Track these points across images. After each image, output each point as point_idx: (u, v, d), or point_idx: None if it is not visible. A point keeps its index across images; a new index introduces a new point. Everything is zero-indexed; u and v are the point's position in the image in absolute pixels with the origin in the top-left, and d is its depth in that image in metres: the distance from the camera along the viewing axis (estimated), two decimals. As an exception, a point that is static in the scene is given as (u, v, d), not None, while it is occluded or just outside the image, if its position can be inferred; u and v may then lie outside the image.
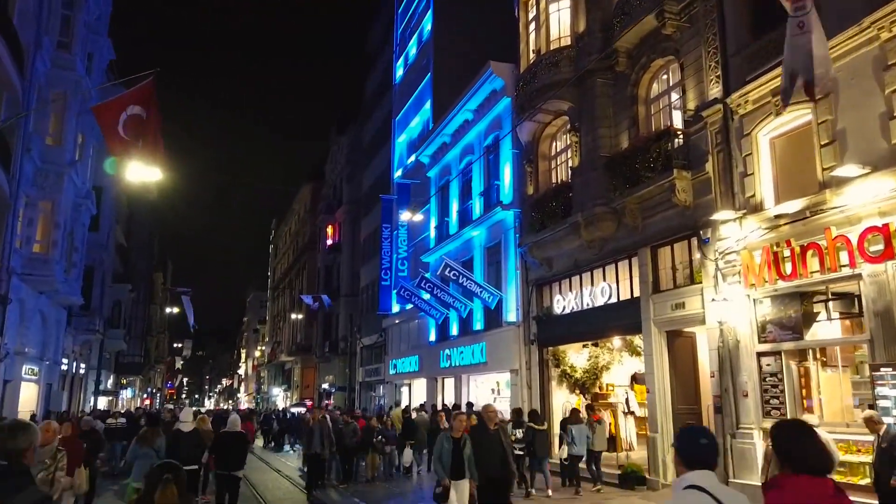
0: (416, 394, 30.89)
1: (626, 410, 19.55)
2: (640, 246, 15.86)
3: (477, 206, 24.59)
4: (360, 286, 43.16)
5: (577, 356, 19.74)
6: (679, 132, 14.46)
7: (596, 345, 18.97)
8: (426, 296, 24.87)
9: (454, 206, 26.91)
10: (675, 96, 15.76)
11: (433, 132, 28.40)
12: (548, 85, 18.42)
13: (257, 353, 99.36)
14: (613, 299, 17.04)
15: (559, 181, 19.48)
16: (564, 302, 19.21)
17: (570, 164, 19.34)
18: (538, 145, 20.38)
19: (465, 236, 24.91)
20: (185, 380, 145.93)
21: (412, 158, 33.46)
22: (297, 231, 69.32)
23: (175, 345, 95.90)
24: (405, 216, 21.70)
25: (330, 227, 53.05)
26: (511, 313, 21.44)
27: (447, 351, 25.93)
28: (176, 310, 66.31)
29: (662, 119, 16.05)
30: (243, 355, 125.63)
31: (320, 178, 61.18)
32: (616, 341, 18.74)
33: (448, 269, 21.83)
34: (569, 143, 19.12)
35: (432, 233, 29.14)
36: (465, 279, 21.83)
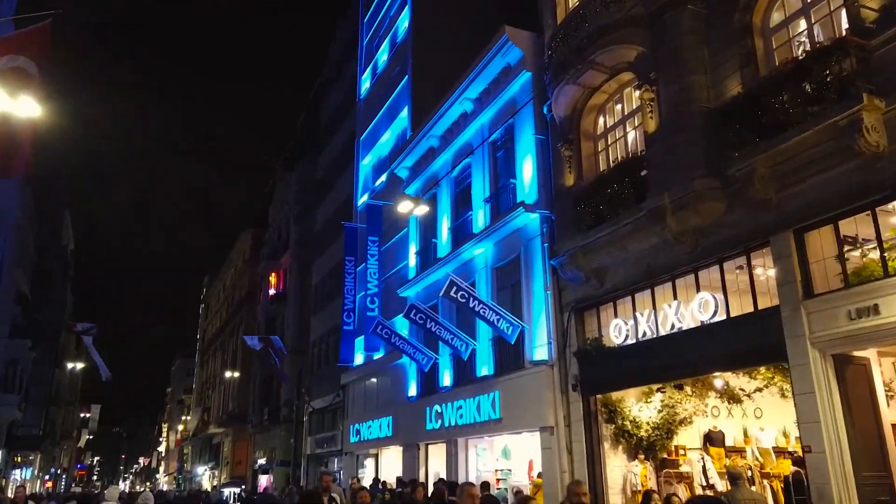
0: (386, 467, 24.39)
1: (705, 484, 14.00)
2: (773, 231, 10.67)
3: (480, 217, 19.15)
4: (309, 340, 36.62)
5: (641, 406, 14.15)
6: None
7: (680, 387, 13.43)
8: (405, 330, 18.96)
9: (444, 224, 21.40)
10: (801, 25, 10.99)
11: (414, 138, 23.13)
12: (605, 27, 13.47)
13: (181, 427, 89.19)
14: (720, 316, 11.65)
15: (618, 160, 14.27)
16: (626, 328, 13.71)
17: (633, 138, 14.26)
18: (580, 120, 15.26)
19: (462, 257, 19.34)
20: (95, 458, 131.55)
21: (381, 180, 28.01)
22: (233, 285, 62.09)
23: (82, 414, 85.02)
24: (403, 207, 15.77)
25: (273, 274, 46.57)
26: (540, 350, 15.77)
27: (437, 407, 19.87)
28: (80, 365, 57.10)
29: (794, 54, 11.17)
30: (164, 430, 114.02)
31: (262, 225, 54.91)
32: (717, 380, 13.30)
33: (455, 290, 16.12)
34: (633, 108, 14.11)
35: (412, 260, 23.45)
36: (477, 304, 16.14)
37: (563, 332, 15.36)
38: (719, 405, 14.28)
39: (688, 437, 14.65)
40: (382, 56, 30.33)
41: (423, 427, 20.55)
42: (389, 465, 24.23)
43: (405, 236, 24.39)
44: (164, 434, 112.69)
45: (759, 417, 15.42)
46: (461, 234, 20.33)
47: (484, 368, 17.99)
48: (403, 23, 28.06)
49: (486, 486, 15.14)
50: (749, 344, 11.05)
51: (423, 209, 16.00)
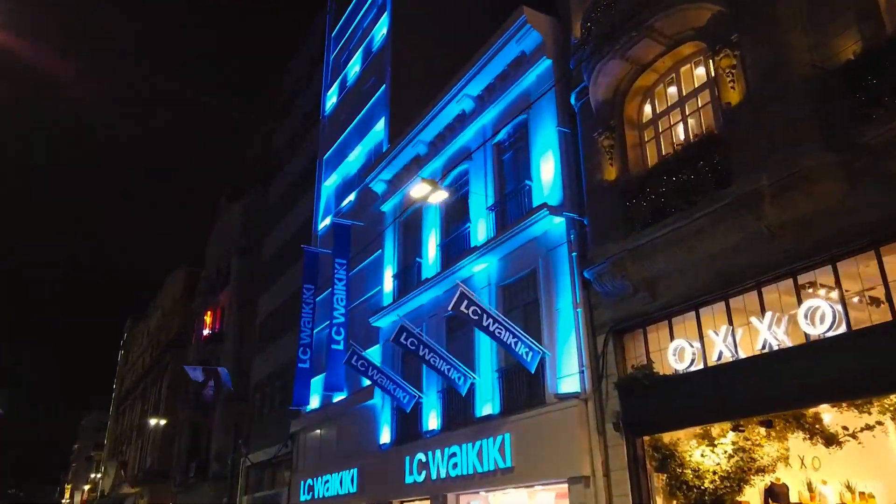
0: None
1: (774, 549, 11.27)
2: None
3: (481, 228, 16.37)
4: (250, 385, 32.46)
5: (704, 450, 11.32)
6: None
7: (769, 424, 10.68)
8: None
9: (432, 241, 18.51)
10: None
11: (395, 149, 20.40)
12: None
13: (87, 487, 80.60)
14: (840, 328, 9.09)
15: (676, 147, 11.79)
16: (692, 350, 11.00)
17: (692, 124, 11.87)
18: (623, 104, 12.84)
19: (459, 275, 16.43)
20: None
21: (349, 199, 25.00)
22: (159, 327, 56.75)
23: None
24: (418, 191, 12.74)
25: (209, 313, 42.20)
26: (568, 381, 12.86)
27: (420, 456, 16.53)
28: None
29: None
30: (67, 492, 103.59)
31: (198, 262, 50.57)
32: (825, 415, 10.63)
33: (466, 304, 13.16)
34: (694, 86, 11.78)
35: (388, 285, 20.35)
36: (492, 321, 13.18)
37: (598, 361, 12.54)
38: (802, 449, 11.62)
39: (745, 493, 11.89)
40: (353, 69, 27.76)
41: (400, 480, 17.11)
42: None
43: (379, 258, 21.34)
44: (68, 496, 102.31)
45: (817, 469, 12.84)
46: (454, 250, 17.45)
47: (487, 406, 14.89)
48: (381, 31, 25.68)
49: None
50: (880, 365, 8.50)
51: (441, 195, 13.04)
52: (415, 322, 17.85)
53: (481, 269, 15.96)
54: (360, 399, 20.19)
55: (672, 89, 12.48)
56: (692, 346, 11.00)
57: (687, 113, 11.98)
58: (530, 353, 13.17)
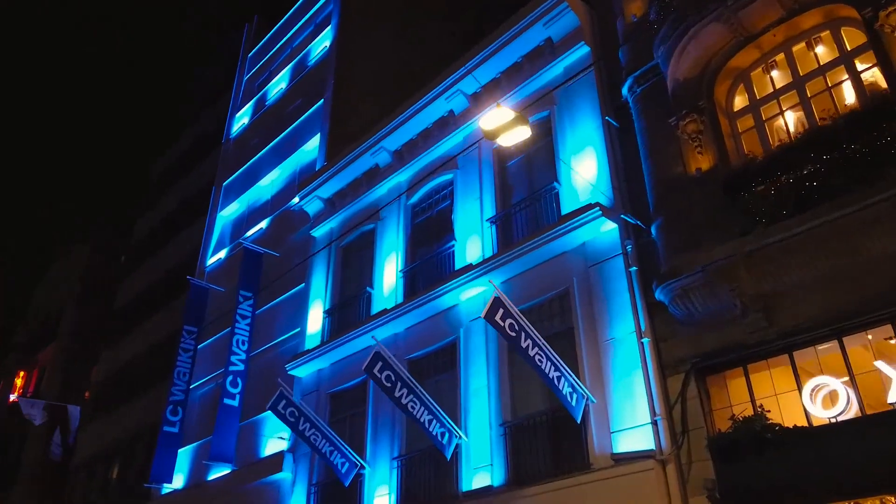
0: None
1: None
2: None
3: (473, 246, 12.78)
4: (70, 462, 25.06)
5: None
6: None
7: None
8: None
9: (391, 266, 14.58)
10: None
11: (343, 160, 16.63)
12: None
13: None
14: None
15: (789, 138, 9.17)
16: (847, 395, 7.89)
17: (799, 115, 9.40)
18: (713, 86, 10.22)
19: (434, 305, 12.63)
20: None
21: (258, 228, 20.46)
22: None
23: None
24: (513, 136, 8.80)
25: (21, 374, 33.87)
26: (628, 437, 9.20)
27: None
28: None
29: None
30: None
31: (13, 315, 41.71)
32: None
33: (502, 314, 9.37)
34: (816, 65, 9.41)
35: (314, 324, 15.86)
36: (531, 343, 9.42)
37: (677, 406, 9.10)
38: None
39: None
40: (277, 87, 23.92)
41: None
42: None
43: (301, 294, 16.87)
44: None
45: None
46: (426, 276, 13.66)
47: (481, 477, 10.73)
48: (320, 46, 22.35)
49: None
50: None
51: (524, 132, 9.19)
52: (351, 371, 13.66)
53: (475, 295, 12.25)
54: (259, 473, 15.04)
55: (776, 73, 10.09)
56: (847, 392, 7.89)
57: (804, 96, 9.54)
58: (574, 395, 9.48)
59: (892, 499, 7.77)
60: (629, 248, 10.34)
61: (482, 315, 9.59)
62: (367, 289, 14.86)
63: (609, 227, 10.58)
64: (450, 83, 14.35)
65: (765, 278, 8.62)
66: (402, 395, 10.98)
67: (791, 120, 9.69)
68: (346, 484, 12.38)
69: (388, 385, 11.02)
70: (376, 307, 14.34)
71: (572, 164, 11.67)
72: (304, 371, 15.28)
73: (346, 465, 12.46)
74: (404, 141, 15.49)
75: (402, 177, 15.51)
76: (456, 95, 14.31)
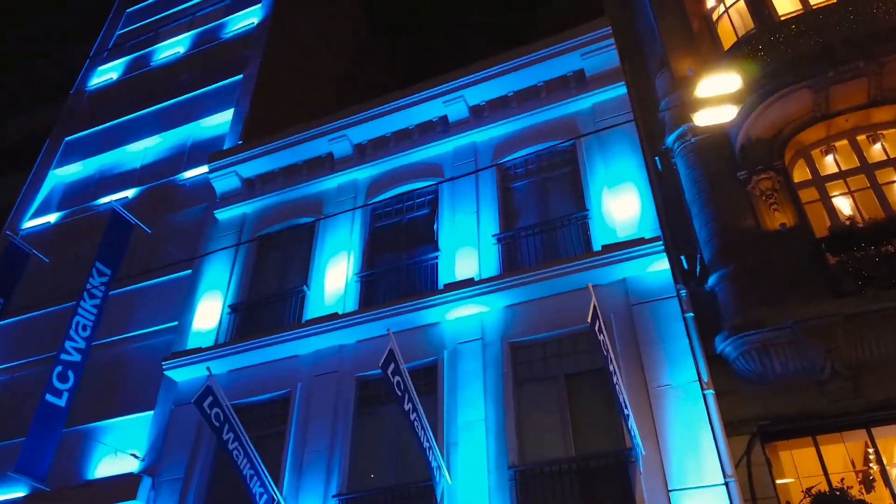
0: None
1: None
2: None
3: (465, 265, 11.05)
4: None
5: None
6: None
7: None
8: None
9: (341, 267, 12.17)
10: None
11: (288, 140, 14.11)
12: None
13: None
14: None
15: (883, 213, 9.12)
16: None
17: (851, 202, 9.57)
18: (784, 152, 10.02)
19: (415, 321, 10.59)
20: None
21: (123, 196, 16.50)
22: None
23: None
24: (717, 115, 7.13)
25: None
26: (700, 499, 7.88)
27: None
28: None
29: None
30: None
31: None
32: None
33: (594, 319, 7.75)
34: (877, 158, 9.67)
35: (202, 321, 12.59)
36: (610, 358, 7.86)
37: (744, 471, 8.09)
38: None
39: None
40: (170, 51, 20.32)
41: None
42: None
43: (186, 282, 13.52)
44: None
45: None
46: (392, 286, 11.58)
47: (475, 531, 8.62)
48: (244, 21, 19.60)
49: None
50: None
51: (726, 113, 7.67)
52: (271, 381, 10.94)
53: (468, 315, 10.45)
54: (95, 499, 11.06)
55: (829, 158, 10.26)
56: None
57: (851, 189, 9.72)
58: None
59: None
60: (683, 292, 9.46)
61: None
62: (302, 287, 12.21)
63: (659, 266, 9.67)
64: (452, 87, 12.92)
65: (861, 345, 8.18)
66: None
67: (850, 202, 9.78)
68: (257, 525, 9.35)
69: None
70: (314, 311, 11.75)
71: (608, 199, 10.75)
72: (186, 375, 11.90)
73: (265, 497, 9.48)
74: (373, 136, 13.55)
75: (361, 174, 13.43)
76: (457, 102, 12.86)
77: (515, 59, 12.61)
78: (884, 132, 10.06)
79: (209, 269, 13.43)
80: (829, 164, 10.27)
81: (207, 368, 10.10)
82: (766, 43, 10.36)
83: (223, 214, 14.28)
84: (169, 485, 10.85)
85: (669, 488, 8.10)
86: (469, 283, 10.51)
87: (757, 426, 8.40)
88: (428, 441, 8.60)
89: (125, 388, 12.75)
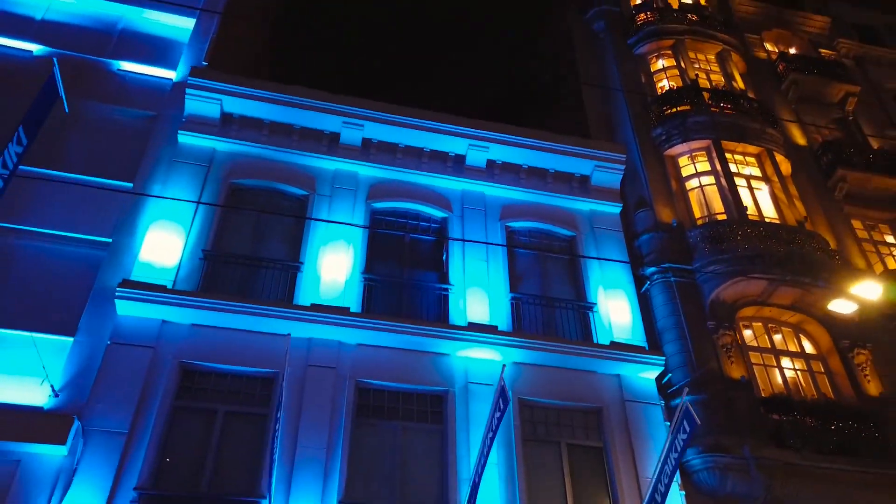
0: None
1: None
2: None
3: (477, 308, 11.46)
4: None
5: None
6: None
7: None
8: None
9: (342, 260, 11.49)
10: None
11: (284, 96, 12.97)
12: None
13: None
14: None
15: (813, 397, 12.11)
16: None
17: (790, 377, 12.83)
18: (735, 315, 12.71)
19: (425, 345, 10.69)
20: None
21: (29, 49, 13.02)
22: None
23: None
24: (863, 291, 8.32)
25: None
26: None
27: None
28: None
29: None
30: None
31: None
32: None
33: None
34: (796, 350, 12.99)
35: (154, 254, 10.72)
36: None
37: (697, 564, 10.02)
38: None
39: None
40: None
41: None
42: None
43: (137, 201, 11.35)
44: None
45: None
46: (395, 300, 11.46)
47: (490, 569, 8.99)
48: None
49: None
50: None
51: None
52: (258, 357, 10.14)
53: (480, 358, 10.91)
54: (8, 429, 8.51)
55: (778, 337, 13.33)
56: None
57: (782, 366, 12.94)
58: None
59: None
60: (661, 404, 11.35)
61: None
62: (296, 264, 11.23)
63: (650, 374, 11.47)
64: (481, 136, 13.47)
65: (791, 487, 10.84)
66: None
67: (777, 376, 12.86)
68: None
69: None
70: (311, 295, 10.92)
71: (604, 298, 12.35)
72: (134, 310, 9.97)
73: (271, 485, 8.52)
74: (385, 139, 13.27)
75: (363, 169, 12.95)
76: (481, 150, 13.43)
77: (534, 139, 13.74)
78: (784, 328, 13.51)
79: (162, 195, 11.46)
80: (749, 336, 13.37)
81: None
82: (742, 232, 13.26)
83: (189, 139, 12.34)
84: (105, 437, 8.89)
85: (655, 568, 9.60)
86: (492, 329, 11.05)
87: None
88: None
89: (39, 298, 10.05)
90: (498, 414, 8.62)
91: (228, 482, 9.19)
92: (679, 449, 9.05)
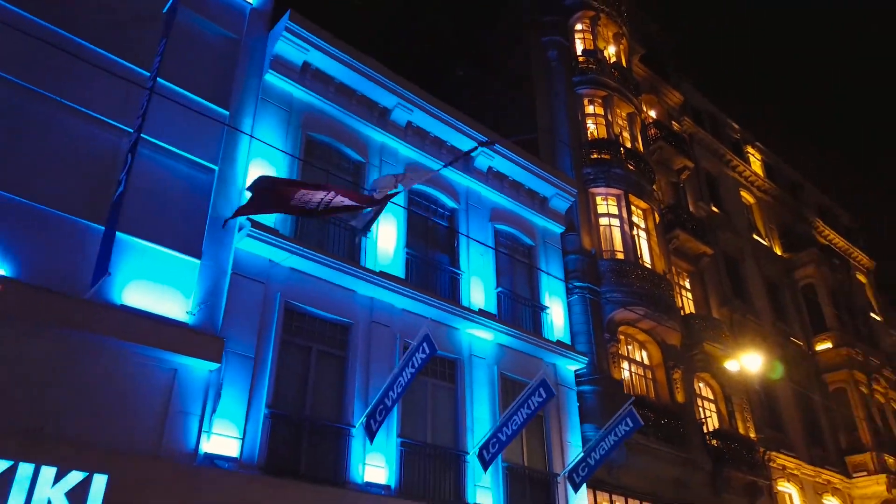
0: None
1: None
2: None
3: (478, 294, 14.66)
4: None
5: None
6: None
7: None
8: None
9: (391, 231, 13.67)
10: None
11: (361, 65, 14.35)
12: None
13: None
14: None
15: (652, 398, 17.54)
16: None
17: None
18: (615, 334, 17.65)
19: (446, 319, 13.70)
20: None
21: None
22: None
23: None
24: None
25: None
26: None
27: None
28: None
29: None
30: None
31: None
32: None
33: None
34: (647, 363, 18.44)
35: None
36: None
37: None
38: None
39: None
40: None
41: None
42: None
43: (231, 134, 12.19)
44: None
45: None
46: (429, 275, 14.12)
47: (482, 495, 12.63)
48: None
49: None
50: None
51: None
52: (338, 306, 12.38)
53: (477, 336, 14.23)
54: (157, 337, 9.62)
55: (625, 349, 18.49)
56: None
57: (632, 371, 18.27)
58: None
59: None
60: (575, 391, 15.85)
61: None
62: (363, 238, 13.08)
63: (573, 367, 15.84)
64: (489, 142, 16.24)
65: (635, 458, 16.13)
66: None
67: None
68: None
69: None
70: (371, 259, 13.08)
71: (549, 301, 16.35)
72: (252, 247, 11.34)
73: (377, 426, 11.09)
74: (422, 126, 15.35)
75: (402, 150, 14.96)
76: (487, 156, 16.23)
77: (522, 158, 16.92)
78: (635, 343, 18.92)
79: (256, 132, 12.44)
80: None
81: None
82: (635, 273, 18.20)
83: (274, 80, 13.19)
84: (238, 359, 10.48)
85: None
86: (493, 316, 14.38)
87: (586, 479, 15.30)
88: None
89: (165, 215, 10.69)
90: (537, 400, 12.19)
91: (324, 410, 11.41)
92: (620, 436, 13.59)
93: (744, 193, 28.83)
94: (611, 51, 23.02)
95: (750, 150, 31.26)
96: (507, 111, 20.97)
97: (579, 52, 22.15)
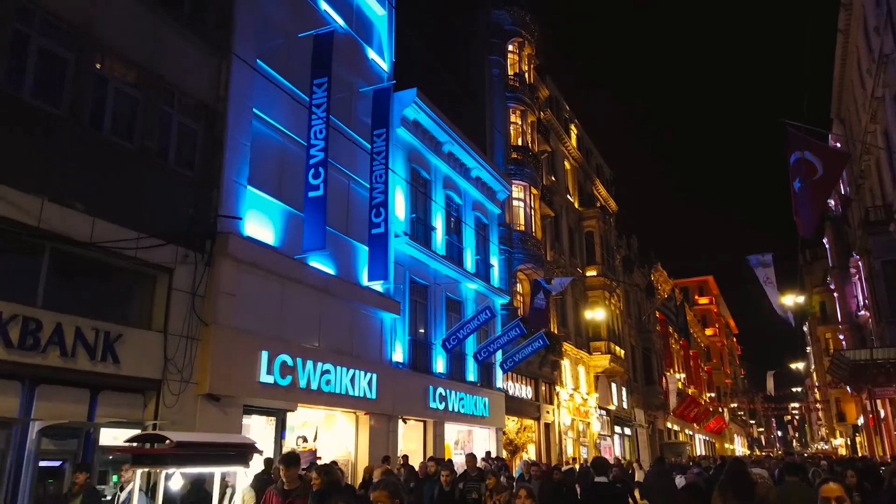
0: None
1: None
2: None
3: (469, 257, 24.98)
4: None
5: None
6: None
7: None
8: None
9: (437, 229, 23.14)
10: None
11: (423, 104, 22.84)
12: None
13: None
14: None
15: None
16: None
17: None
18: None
19: (463, 274, 24.07)
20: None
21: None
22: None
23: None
24: None
25: None
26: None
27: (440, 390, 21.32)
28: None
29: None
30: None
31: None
32: None
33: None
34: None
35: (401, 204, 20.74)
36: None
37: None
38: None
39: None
40: None
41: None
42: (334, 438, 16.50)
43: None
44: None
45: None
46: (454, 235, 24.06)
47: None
48: None
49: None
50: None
51: None
52: (424, 275, 22.09)
53: (472, 289, 24.76)
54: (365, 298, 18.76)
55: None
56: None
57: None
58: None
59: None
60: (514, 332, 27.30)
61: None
62: (428, 222, 22.42)
63: (501, 302, 27.18)
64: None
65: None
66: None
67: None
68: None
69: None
70: (436, 248, 22.66)
71: (493, 264, 27.23)
72: (400, 247, 20.41)
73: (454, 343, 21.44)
74: (458, 155, 24.41)
75: (443, 168, 24.01)
76: (479, 170, 25.87)
77: (487, 165, 26.89)
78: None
79: (394, 167, 20.89)
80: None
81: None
82: (530, 241, 29.70)
83: (404, 119, 21.38)
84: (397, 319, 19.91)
85: (495, 378, 26.05)
86: (485, 277, 24.92)
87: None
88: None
89: (354, 220, 19.02)
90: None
91: (422, 335, 21.34)
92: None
93: (566, 163, 41.43)
94: (525, 68, 32.86)
95: (572, 127, 43.68)
96: (465, 118, 30.01)
97: (510, 73, 31.66)
